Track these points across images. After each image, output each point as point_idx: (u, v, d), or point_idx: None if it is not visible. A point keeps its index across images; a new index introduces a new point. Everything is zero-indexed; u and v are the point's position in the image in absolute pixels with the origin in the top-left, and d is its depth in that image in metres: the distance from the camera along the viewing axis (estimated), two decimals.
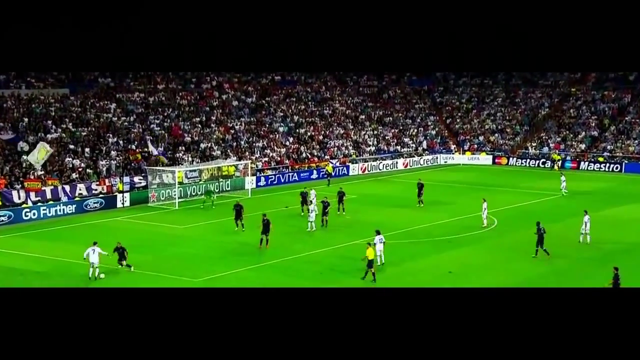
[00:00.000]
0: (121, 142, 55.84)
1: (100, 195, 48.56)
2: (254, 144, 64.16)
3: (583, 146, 72.33)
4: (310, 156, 65.75)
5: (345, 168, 65.49)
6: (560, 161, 69.21)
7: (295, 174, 61.20)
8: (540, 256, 34.55)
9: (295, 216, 44.46)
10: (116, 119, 58.79)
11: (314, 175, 61.76)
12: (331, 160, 65.77)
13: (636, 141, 71.27)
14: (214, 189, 50.50)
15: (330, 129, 71.95)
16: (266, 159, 62.49)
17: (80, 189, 48.30)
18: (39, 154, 46.70)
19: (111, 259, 31.74)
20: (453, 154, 74.72)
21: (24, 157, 47.88)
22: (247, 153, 61.82)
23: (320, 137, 69.95)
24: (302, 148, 66.56)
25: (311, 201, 45.12)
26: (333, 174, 60.75)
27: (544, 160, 70.06)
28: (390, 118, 79.05)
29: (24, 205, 44.83)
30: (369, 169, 67.27)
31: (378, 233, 33.21)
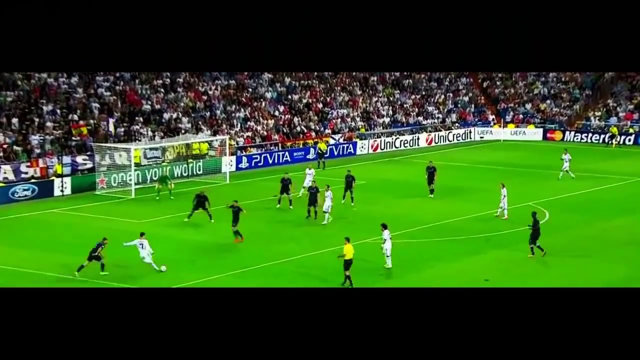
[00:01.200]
0: (59, 110, 55.70)
1: (32, 181, 48.45)
2: (234, 115, 64.04)
3: None
4: (306, 130, 65.62)
5: (351, 146, 65.38)
6: (620, 137, 69.03)
7: (286, 153, 61.11)
8: (536, 255, 35.05)
9: (285, 209, 44.45)
10: (52, 80, 58.65)
11: (311, 155, 61.64)
12: (333, 136, 65.64)
13: None
14: (169, 174, 50.29)
15: (332, 95, 71.82)
16: (249, 133, 62.37)
17: (5, 172, 48.20)
18: None
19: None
20: (491, 127, 74.57)
21: None
22: (224, 126, 61.68)
23: (320, 106, 69.82)
24: (295, 120, 66.44)
25: (304, 186, 45.10)
26: (327, 153, 60.53)
27: (612, 134, 69.93)
28: (410, 80, 78.88)
29: None
30: (382, 147, 67.19)
31: (385, 228, 33.40)
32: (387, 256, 33.22)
